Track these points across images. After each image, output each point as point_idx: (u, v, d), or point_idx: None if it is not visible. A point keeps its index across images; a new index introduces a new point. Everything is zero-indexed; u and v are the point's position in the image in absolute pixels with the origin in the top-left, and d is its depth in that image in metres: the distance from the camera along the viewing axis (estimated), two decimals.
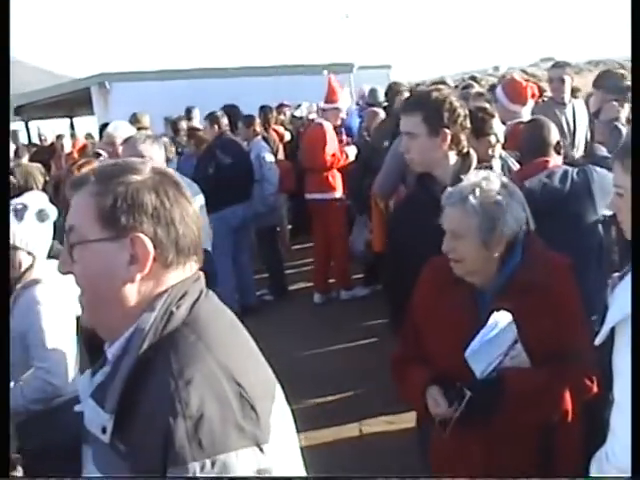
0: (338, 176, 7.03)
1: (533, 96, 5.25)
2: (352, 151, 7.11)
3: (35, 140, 13.27)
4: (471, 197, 2.17)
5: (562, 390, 2.26)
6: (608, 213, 3.10)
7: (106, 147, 4.98)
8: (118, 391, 1.23)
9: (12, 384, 2.75)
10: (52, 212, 3.04)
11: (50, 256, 3.05)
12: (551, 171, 3.34)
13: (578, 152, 5.31)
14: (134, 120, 7.15)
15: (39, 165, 8.55)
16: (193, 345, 1.25)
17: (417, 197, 2.88)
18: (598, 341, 1.84)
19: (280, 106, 10.53)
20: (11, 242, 2.84)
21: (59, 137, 10.00)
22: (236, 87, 11.36)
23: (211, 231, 4.36)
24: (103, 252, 1.28)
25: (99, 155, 5.20)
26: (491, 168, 3.25)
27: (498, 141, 3.55)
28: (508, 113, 4.89)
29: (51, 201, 3.20)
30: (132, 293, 1.29)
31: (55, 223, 3.08)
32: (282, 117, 10.31)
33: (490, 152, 3.48)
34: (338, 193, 7.05)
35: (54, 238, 3.09)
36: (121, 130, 4.79)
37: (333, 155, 6.95)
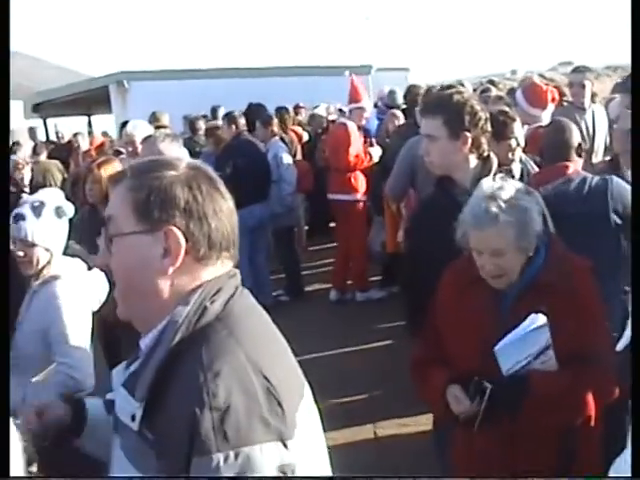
0: (361, 177, 6.97)
1: (553, 100, 5.21)
2: (376, 152, 7.03)
3: (53, 138, 13.35)
4: (498, 211, 2.15)
5: (585, 393, 2.25)
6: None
7: (126, 146, 5.02)
8: (148, 381, 1.26)
9: (33, 379, 2.77)
10: (69, 209, 3.05)
11: (66, 254, 3.05)
12: (568, 178, 3.29)
13: (597, 157, 5.28)
14: (153, 119, 7.17)
15: (57, 162, 8.63)
16: (224, 339, 1.27)
17: (437, 200, 2.86)
18: (620, 347, 1.83)
19: (296, 107, 10.55)
20: (29, 239, 2.84)
21: (76, 135, 10.04)
22: (255, 87, 11.39)
23: None
24: (138, 245, 1.31)
25: (119, 153, 5.23)
26: (511, 172, 3.24)
27: (518, 145, 3.53)
28: (528, 117, 4.86)
29: (68, 198, 3.21)
30: (166, 286, 1.31)
31: (71, 220, 3.08)
32: (300, 118, 10.32)
33: (510, 156, 3.45)
34: (360, 195, 6.98)
35: (69, 237, 3.08)
36: (140, 129, 4.82)
37: (357, 156, 6.90)
